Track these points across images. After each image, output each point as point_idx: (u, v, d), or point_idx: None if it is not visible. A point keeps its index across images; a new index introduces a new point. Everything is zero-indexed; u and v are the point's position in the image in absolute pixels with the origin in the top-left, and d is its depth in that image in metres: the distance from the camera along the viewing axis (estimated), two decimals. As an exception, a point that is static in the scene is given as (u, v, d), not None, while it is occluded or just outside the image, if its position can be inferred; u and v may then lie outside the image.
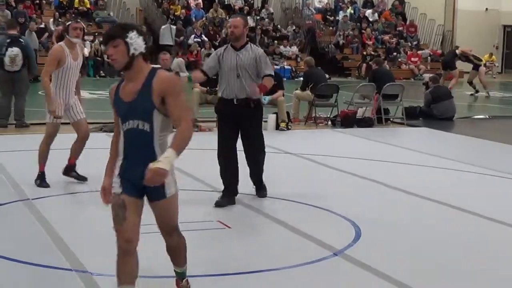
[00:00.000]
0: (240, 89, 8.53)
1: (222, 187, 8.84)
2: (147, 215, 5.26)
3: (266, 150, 9.08)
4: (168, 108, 4.95)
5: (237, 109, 8.58)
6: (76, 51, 9.41)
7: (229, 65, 8.56)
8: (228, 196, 8.66)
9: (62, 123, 9.65)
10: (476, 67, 25.60)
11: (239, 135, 8.82)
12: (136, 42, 4.92)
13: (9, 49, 14.19)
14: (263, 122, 14.92)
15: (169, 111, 4.96)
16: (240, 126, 8.71)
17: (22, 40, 14.68)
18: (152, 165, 4.73)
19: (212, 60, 8.85)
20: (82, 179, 9.61)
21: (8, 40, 14.34)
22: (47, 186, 9.25)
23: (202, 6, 33.80)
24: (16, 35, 14.69)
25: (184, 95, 5.04)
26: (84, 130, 9.78)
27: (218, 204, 8.45)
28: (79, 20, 9.96)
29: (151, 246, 5.96)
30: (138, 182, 4.97)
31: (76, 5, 32.00)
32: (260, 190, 9.10)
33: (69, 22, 9.54)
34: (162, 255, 5.63)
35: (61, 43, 9.36)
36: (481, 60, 26.49)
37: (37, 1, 31.79)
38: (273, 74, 8.89)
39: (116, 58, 4.91)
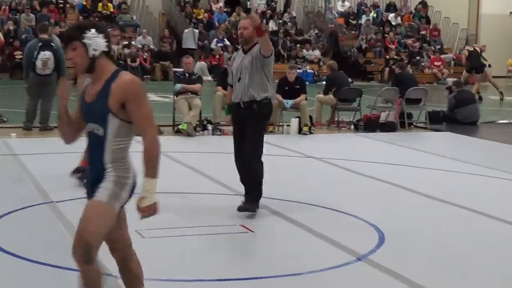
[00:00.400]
0: (243, 92, 8.33)
1: (243, 190, 8.83)
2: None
3: (289, 154, 9.00)
4: (130, 116, 4.58)
5: (243, 112, 8.41)
6: None
7: (235, 69, 8.49)
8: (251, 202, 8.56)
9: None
10: (480, 69, 25.37)
11: None
12: (96, 41, 4.58)
13: (41, 52, 14.27)
14: (285, 127, 15.13)
15: (131, 119, 4.60)
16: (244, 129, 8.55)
17: (53, 44, 14.75)
18: (139, 204, 4.57)
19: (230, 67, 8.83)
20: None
21: (40, 44, 14.43)
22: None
23: (224, 10, 33.85)
24: (47, 39, 14.78)
25: (147, 101, 4.63)
26: None
27: (241, 209, 8.33)
28: (116, 27, 10.07)
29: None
30: (90, 187, 4.69)
31: (99, 9, 32.12)
32: (246, 201, 8.38)
33: (109, 29, 9.61)
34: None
35: None
36: (487, 60, 26.33)
37: (61, 5, 31.95)
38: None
39: (77, 62, 4.62)
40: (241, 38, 8.54)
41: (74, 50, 4.60)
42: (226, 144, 13.68)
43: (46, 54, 14.27)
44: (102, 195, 4.58)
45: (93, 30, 4.59)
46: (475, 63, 25.14)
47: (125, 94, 4.54)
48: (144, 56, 28.55)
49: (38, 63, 14.25)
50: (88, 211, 4.64)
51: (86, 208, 4.66)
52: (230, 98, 8.71)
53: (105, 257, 6.62)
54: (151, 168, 4.55)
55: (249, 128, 8.37)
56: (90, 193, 4.65)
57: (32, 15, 29.61)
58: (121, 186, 4.62)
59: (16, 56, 26.20)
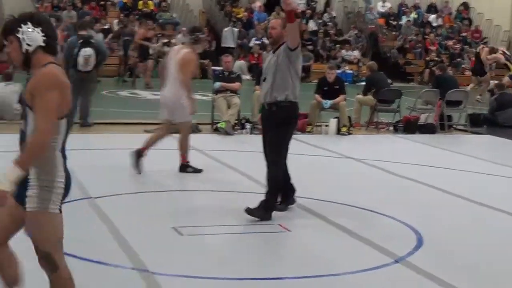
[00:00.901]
0: (266, 93, 8.14)
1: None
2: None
3: (327, 154, 8.95)
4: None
5: (265, 114, 8.26)
6: None
7: (263, 69, 8.44)
8: (285, 202, 8.51)
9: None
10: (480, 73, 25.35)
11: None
12: (30, 36, 4.32)
13: (82, 49, 14.37)
14: (324, 127, 15.11)
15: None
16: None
17: (94, 41, 14.88)
18: None
19: None
20: (197, 171, 10.19)
21: (80, 41, 14.54)
22: (199, 171, 10.09)
23: (264, 9, 33.86)
24: (87, 35, 14.89)
25: (51, 95, 4.25)
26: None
27: (248, 212, 7.97)
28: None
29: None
30: (17, 188, 4.33)
31: (140, 7, 32.32)
32: (259, 204, 8.08)
33: (202, 35, 10.25)
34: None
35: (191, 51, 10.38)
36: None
37: (102, 2, 32.18)
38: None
39: (13, 56, 4.39)
40: (270, 38, 8.56)
41: (11, 44, 4.38)
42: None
43: (88, 51, 14.38)
44: (32, 205, 4.36)
45: (29, 24, 4.34)
46: (475, 66, 25.13)
47: (33, 86, 4.30)
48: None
49: (80, 60, 14.36)
50: (30, 226, 4.49)
51: (27, 224, 4.49)
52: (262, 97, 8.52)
53: (165, 256, 6.72)
54: (23, 157, 4.23)
55: (269, 133, 8.21)
56: (17, 196, 4.36)
57: (74, 12, 29.86)
58: (49, 190, 4.37)
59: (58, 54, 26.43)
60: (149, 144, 10.18)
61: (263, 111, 8.35)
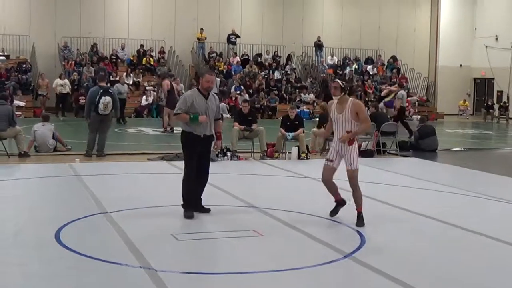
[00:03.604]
0: (208, 127, 8.51)
1: (255, 203, 8.82)
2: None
3: (290, 175, 9.00)
4: None
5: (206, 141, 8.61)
6: None
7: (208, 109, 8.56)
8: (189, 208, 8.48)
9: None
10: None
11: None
12: None
13: (103, 97, 14.50)
14: (287, 153, 15.13)
15: None
16: None
17: (111, 91, 15.05)
18: None
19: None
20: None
21: (101, 90, 14.64)
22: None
23: (240, 63, 34.02)
24: (106, 86, 15.05)
25: None
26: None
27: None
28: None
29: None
30: None
31: (143, 62, 32.34)
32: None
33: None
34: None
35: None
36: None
37: (114, 60, 32.16)
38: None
39: None
40: (208, 88, 8.49)
41: None
42: (242, 167, 13.74)
43: (107, 99, 14.51)
44: None
45: None
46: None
47: None
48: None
49: (101, 106, 14.47)
50: None
51: None
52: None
53: (168, 257, 6.68)
54: None
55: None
56: None
57: (92, 68, 29.83)
58: None
59: (80, 100, 26.37)
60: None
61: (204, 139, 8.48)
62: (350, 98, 8.23)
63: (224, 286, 5.88)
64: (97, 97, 14.46)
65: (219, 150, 14.55)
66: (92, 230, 7.76)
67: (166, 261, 6.51)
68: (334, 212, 8.65)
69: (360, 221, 8.22)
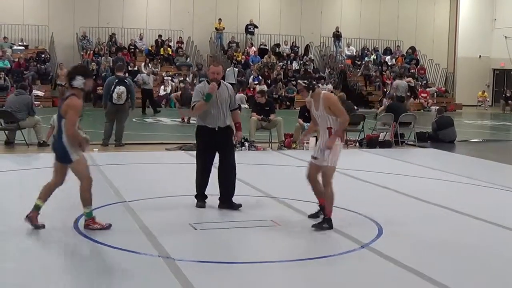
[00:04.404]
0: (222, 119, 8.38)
1: (273, 193, 8.82)
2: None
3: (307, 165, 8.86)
4: None
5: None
6: None
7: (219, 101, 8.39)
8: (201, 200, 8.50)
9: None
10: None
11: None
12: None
13: (117, 87, 14.49)
14: (305, 144, 15.09)
15: None
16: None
17: (127, 81, 14.95)
18: None
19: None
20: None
21: (116, 80, 14.63)
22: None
23: (258, 53, 33.98)
24: (122, 76, 14.98)
25: None
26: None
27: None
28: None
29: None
30: None
31: (161, 52, 32.38)
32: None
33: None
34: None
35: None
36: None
37: (132, 50, 32.24)
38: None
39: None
40: (215, 80, 8.21)
41: None
42: (259, 157, 13.75)
43: (121, 89, 14.47)
44: None
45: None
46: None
47: None
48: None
49: (115, 95, 14.45)
50: None
51: None
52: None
53: (185, 246, 6.71)
54: None
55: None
56: None
57: (110, 58, 29.93)
58: None
59: (98, 90, 26.48)
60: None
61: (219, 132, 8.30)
62: (322, 92, 7.69)
63: (241, 276, 5.91)
64: (112, 87, 14.51)
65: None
66: (111, 219, 7.80)
67: (184, 250, 6.55)
68: (314, 216, 7.94)
69: (323, 224, 7.39)
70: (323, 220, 7.41)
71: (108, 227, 7.19)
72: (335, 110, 7.57)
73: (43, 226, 7.15)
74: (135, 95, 15.48)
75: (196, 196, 8.50)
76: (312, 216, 7.96)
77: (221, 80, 8.42)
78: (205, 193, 8.50)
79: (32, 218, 7.12)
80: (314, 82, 7.66)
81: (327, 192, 7.46)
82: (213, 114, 8.21)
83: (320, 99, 7.60)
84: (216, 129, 8.24)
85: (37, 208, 7.15)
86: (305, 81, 7.65)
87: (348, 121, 7.75)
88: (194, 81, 28.31)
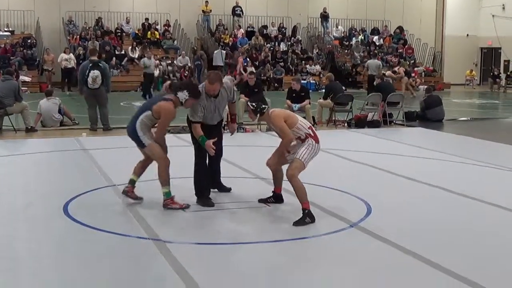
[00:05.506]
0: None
1: (262, 174, 8.83)
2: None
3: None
4: None
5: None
6: None
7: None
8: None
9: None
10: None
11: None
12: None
13: (92, 71, 14.38)
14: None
15: None
16: None
17: (101, 64, 14.83)
18: None
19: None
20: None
21: (90, 65, 14.52)
22: None
23: (245, 35, 33.87)
24: (96, 60, 14.84)
25: None
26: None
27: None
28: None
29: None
30: None
31: (148, 36, 32.21)
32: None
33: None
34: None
35: None
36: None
37: (119, 34, 32.06)
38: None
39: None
40: (213, 93, 7.69)
41: None
42: (248, 139, 13.76)
43: (95, 73, 14.39)
44: None
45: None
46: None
47: None
48: (185, 74, 28.56)
49: (89, 80, 14.38)
50: None
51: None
52: None
53: (175, 228, 6.73)
54: None
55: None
56: None
57: (97, 42, 29.74)
58: None
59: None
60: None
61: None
62: (270, 112, 7.27)
63: (232, 256, 5.94)
64: (87, 71, 14.41)
65: (226, 122, 14.56)
66: (100, 203, 7.81)
67: (174, 233, 6.57)
68: (263, 201, 7.83)
69: (305, 218, 6.95)
70: (303, 214, 6.97)
71: (187, 206, 7.49)
72: (279, 132, 7.21)
73: (141, 199, 7.74)
74: (110, 78, 15.32)
75: (201, 197, 7.87)
76: (261, 200, 7.84)
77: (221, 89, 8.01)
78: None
79: (128, 192, 7.74)
80: (263, 106, 7.21)
81: (295, 186, 7.05)
82: (211, 117, 7.93)
83: (270, 120, 7.27)
84: (213, 124, 8.08)
85: (132, 183, 7.74)
86: (253, 104, 7.24)
87: (292, 142, 7.16)
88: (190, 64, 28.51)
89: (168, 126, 7.58)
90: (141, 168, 7.84)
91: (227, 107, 8.31)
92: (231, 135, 8.57)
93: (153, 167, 7.71)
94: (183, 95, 7.35)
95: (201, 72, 28.22)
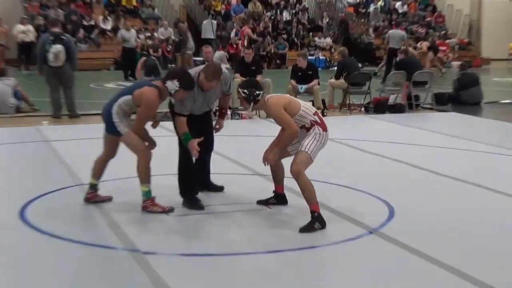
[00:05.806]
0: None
1: (261, 171, 8.80)
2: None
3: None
4: None
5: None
6: None
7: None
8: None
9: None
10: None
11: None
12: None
13: (53, 46, 14.25)
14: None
15: None
16: None
17: (64, 37, 14.69)
18: None
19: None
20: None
21: (52, 38, 14.39)
22: None
23: (240, 2, 33.79)
24: (58, 32, 14.70)
25: None
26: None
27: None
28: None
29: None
30: None
31: (124, 3, 32.17)
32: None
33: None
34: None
35: None
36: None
37: (88, 0, 31.98)
38: None
39: None
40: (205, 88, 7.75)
41: None
42: (245, 127, 13.73)
43: (58, 47, 14.24)
44: None
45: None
46: None
47: None
48: (168, 49, 28.47)
49: (50, 56, 14.22)
50: None
51: None
52: None
53: (154, 237, 6.71)
54: None
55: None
56: None
57: (61, 11, 29.65)
58: None
59: (46, 49, 26.24)
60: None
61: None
62: (266, 98, 7.32)
63: (224, 269, 5.91)
64: (47, 46, 14.30)
65: (217, 107, 14.52)
66: (65, 206, 7.77)
67: (154, 242, 6.54)
68: (263, 202, 7.82)
69: (314, 223, 6.88)
70: (311, 219, 6.88)
71: (171, 210, 7.45)
72: (279, 123, 7.15)
73: (110, 198, 7.88)
74: (76, 53, 15.22)
75: (188, 198, 7.86)
76: (261, 202, 7.81)
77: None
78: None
79: (91, 198, 7.76)
80: (257, 92, 7.21)
81: (301, 185, 6.96)
82: (198, 108, 7.87)
83: (266, 108, 7.27)
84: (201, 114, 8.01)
85: (92, 188, 7.77)
86: (245, 90, 7.26)
87: (296, 133, 7.14)
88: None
89: (148, 119, 7.46)
90: (100, 169, 7.80)
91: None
92: (215, 132, 8.42)
93: (129, 159, 7.67)
94: (172, 85, 7.23)
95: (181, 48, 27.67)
